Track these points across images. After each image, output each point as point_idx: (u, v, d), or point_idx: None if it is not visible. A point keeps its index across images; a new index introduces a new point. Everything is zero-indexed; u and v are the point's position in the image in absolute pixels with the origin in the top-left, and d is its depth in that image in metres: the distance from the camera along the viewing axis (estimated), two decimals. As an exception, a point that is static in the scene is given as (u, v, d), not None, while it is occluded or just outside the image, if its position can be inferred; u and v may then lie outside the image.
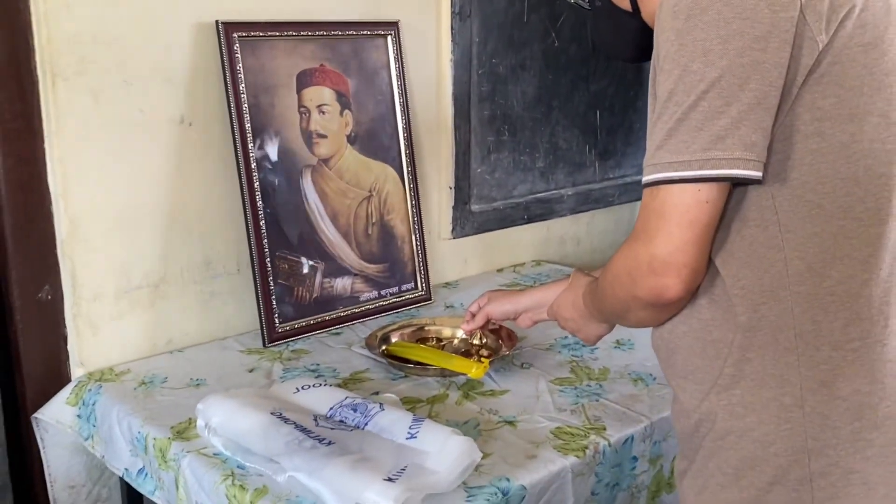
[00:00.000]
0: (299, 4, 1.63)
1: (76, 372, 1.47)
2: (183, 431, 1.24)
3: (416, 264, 1.78)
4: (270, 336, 1.56)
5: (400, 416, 1.20)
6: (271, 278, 1.57)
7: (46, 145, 1.39)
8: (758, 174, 0.84)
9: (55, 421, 1.43)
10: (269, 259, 1.56)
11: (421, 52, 1.81)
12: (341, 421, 1.21)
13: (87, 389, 1.41)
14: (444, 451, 1.11)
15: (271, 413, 1.20)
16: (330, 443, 1.14)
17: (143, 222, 1.51)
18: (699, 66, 0.84)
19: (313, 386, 1.31)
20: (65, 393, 1.44)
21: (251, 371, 1.46)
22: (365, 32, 1.72)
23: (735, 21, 0.83)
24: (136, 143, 1.48)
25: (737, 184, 0.87)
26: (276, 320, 1.57)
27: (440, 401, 1.34)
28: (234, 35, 1.53)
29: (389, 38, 1.74)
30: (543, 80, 2.02)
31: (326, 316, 1.64)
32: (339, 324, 1.65)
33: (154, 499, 1.28)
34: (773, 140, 0.86)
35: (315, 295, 1.63)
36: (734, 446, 0.92)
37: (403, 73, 1.76)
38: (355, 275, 1.69)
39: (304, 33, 1.63)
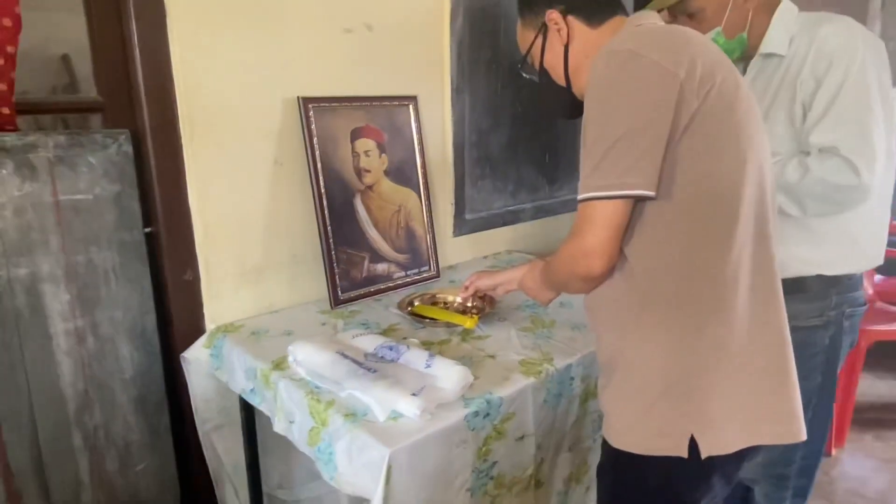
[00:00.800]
0: (351, 85, 1.61)
1: (209, 326, 1.46)
2: (279, 364, 1.24)
3: (430, 254, 1.77)
4: (335, 301, 1.55)
5: (420, 353, 1.19)
6: (335, 264, 1.56)
7: (188, 180, 1.38)
8: (652, 193, 0.86)
9: (195, 358, 1.42)
10: (333, 252, 1.55)
11: (432, 115, 1.80)
12: (381, 357, 1.21)
13: (217, 337, 1.41)
14: (449, 375, 1.10)
15: (336, 352, 1.19)
16: (375, 371, 1.13)
17: (250, 229, 1.50)
18: (613, 124, 0.85)
19: (363, 334, 1.31)
20: (202, 340, 1.43)
21: (323, 324, 1.46)
22: (395, 103, 1.71)
23: (637, 97, 0.85)
24: (247, 176, 1.47)
25: (638, 199, 0.87)
26: (339, 291, 1.56)
27: (446, 343, 1.34)
28: (310, 106, 1.52)
29: (411, 106, 1.73)
30: (511, 132, 2.01)
31: (372, 288, 1.63)
32: (379, 293, 1.64)
33: (260, 408, 1.27)
34: (663, 170, 0.86)
35: (364, 274, 1.62)
36: (638, 370, 0.92)
37: (420, 129, 1.75)
38: (390, 261, 1.68)
39: (355, 104, 1.62)
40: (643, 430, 0.92)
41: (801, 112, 1.22)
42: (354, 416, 1.04)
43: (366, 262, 1.63)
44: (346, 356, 1.18)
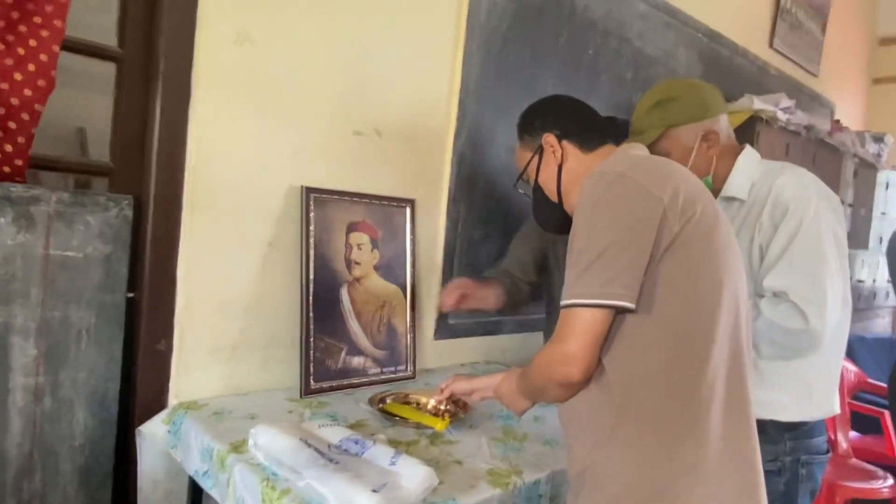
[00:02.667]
0: (354, 182, 1.68)
1: (172, 401, 1.41)
2: (238, 447, 1.19)
3: (408, 354, 1.76)
4: (306, 390, 1.51)
5: (385, 450, 1.15)
6: (312, 351, 1.54)
7: (180, 250, 1.40)
8: (632, 305, 0.88)
9: (151, 433, 1.36)
10: (312, 338, 1.54)
11: (427, 219, 1.86)
12: (345, 450, 1.16)
13: (178, 413, 1.36)
14: (413, 475, 1.06)
15: (300, 439, 1.15)
16: (337, 462, 1.08)
17: (232, 306, 1.50)
18: (599, 237, 0.89)
19: (330, 425, 1.26)
20: (162, 414, 1.38)
21: (289, 412, 1.41)
22: (394, 203, 1.77)
23: (622, 215, 0.89)
24: (239, 254, 1.49)
25: (619, 311, 0.89)
26: (311, 380, 1.53)
27: (414, 444, 1.29)
28: (312, 195, 1.58)
29: (409, 208, 1.80)
30: (501, 245, 2.06)
31: (345, 381, 1.60)
32: (352, 388, 1.60)
33: (211, 493, 1.20)
34: (644, 287, 0.89)
35: (340, 366, 1.60)
36: (608, 486, 0.89)
37: (415, 231, 1.80)
38: (367, 356, 1.66)
39: (356, 199, 1.68)
40: None
41: (759, 255, 1.25)
42: (309, 508, 0.99)
43: (343, 354, 1.61)
44: (309, 444, 1.13)
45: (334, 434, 1.21)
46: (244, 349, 1.52)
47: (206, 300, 1.45)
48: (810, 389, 1.26)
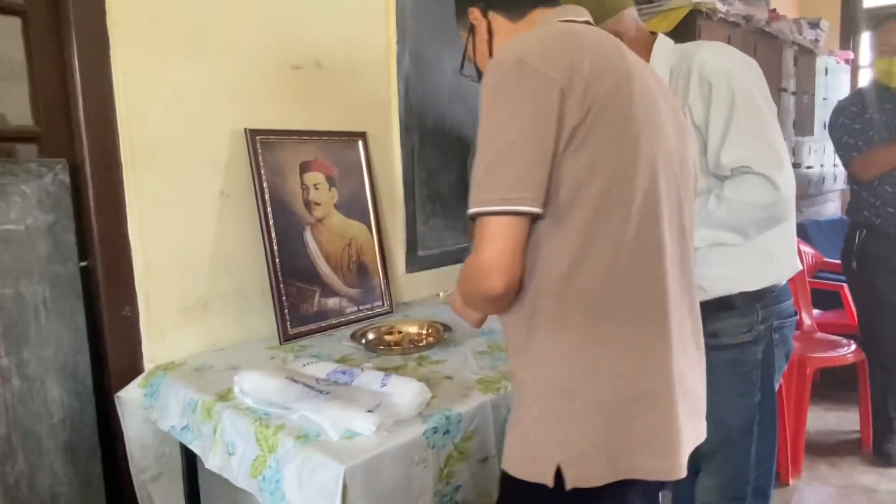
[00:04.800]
0: (301, 120, 1.62)
1: (148, 366, 1.37)
2: (224, 396, 1.17)
3: (382, 289, 1.74)
4: (285, 336, 1.49)
5: (374, 374, 1.15)
6: (284, 298, 1.51)
7: (128, 211, 1.34)
8: (537, 209, 0.80)
9: (130, 399, 1.33)
10: (282, 285, 1.51)
11: (381, 152, 1.81)
12: (334, 381, 1.15)
13: (155, 376, 1.32)
14: (405, 392, 1.06)
15: (286, 378, 1.14)
16: (327, 393, 1.08)
17: (196, 263, 1.45)
18: (497, 136, 0.80)
19: (315, 363, 1.25)
20: (138, 379, 1.34)
21: (271, 358, 1.39)
22: (344, 139, 1.72)
23: (520, 110, 0.79)
24: (191, 208, 1.43)
25: (526, 216, 0.81)
26: (289, 326, 1.51)
27: (402, 368, 1.29)
28: (257, 138, 1.51)
29: (360, 141, 1.74)
30: (462, 170, 2.04)
31: (323, 323, 1.58)
32: (331, 328, 1.59)
33: (191, 447, 1.19)
34: (550, 188, 0.81)
35: (315, 309, 1.58)
36: (521, 392, 0.88)
37: (371, 165, 1.75)
38: (341, 296, 1.64)
39: (304, 138, 1.62)
40: (521, 453, 0.86)
41: (699, 135, 1.23)
42: (306, 437, 0.98)
43: (316, 297, 1.59)
44: (296, 381, 1.12)
45: (320, 369, 1.20)
46: (215, 304, 1.48)
47: (166, 259, 1.39)
48: (771, 254, 1.29)
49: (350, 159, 1.72)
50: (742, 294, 1.28)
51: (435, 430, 1.02)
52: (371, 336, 1.48)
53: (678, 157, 0.92)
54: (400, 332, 1.51)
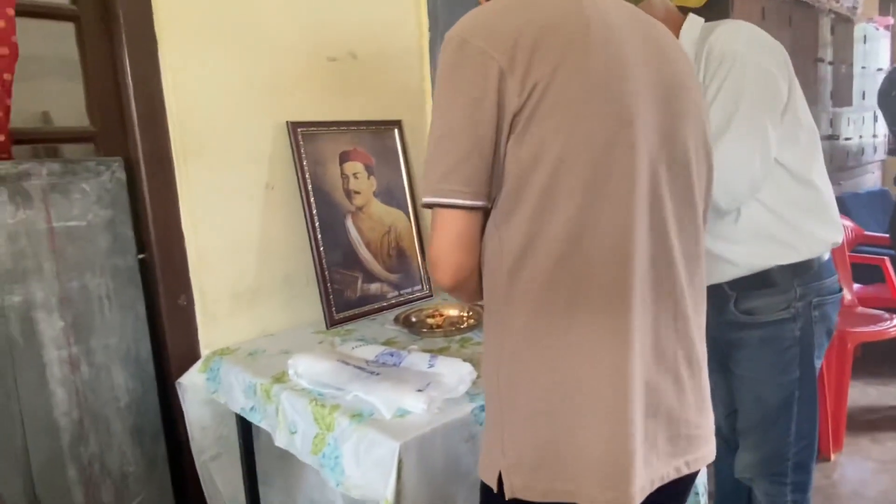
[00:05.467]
0: (338, 110, 1.66)
1: (204, 351, 1.45)
2: (280, 378, 1.23)
3: (421, 274, 1.79)
4: (331, 321, 1.55)
5: (422, 356, 1.19)
6: (329, 284, 1.56)
7: (181, 205, 1.40)
8: (475, 202, 0.74)
9: (191, 384, 1.40)
10: (327, 272, 1.56)
11: (417, 139, 1.84)
12: (383, 363, 1.21)
13: (212, 360, 1.39)
14: (453, 372, 1.11)
15: (338, 360, 1.19)
16: (378, 374, 1.13)
17: (244, 253, 1.51)
18: (438, 119, 0.76)
19: (363, 345, 1.30)
20: (197, 364, 1.41)
21: (320, 343, 1.45)
22: (381, 127, 1.75)
23: (460, 93, 0.73)
24: (239, 200, 1.49)
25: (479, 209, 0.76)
26: (334, 311, 1.56)
27: (445, 350, 1.34)
28: (299, 130, 1.56)
29: (396, 130, 1.78)
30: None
31: (366, 308, 1.63)
32: (374, 313, 1.64)
33: (261, 425, 1.25)
34: (499, 179, 0.75)
35: (358, 294, 1.63)
36: (486, 387, 0.86)
37: (406, 152, 1.79)
38: (382, 281, 1.69)
39: (342, 128, 1.66)
40: (481, 454, 0.84)
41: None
42: (360, 416, 1.03)
43: (359, 282, 1.64)
44: (347, 363, 1.18)
45: (369, 352, 1.25)
46: (264, 292, 1.54)
47: (217, 250, 1.46)
48: (803, 228, 1.26)
49: (387, 148, 1.76)
50: (780, 269, 1.28)
51: (482, 408, 1.06)
52: (414, 319, 1.53)
53: (676, 133, 0.81)
54: (442, 315, 1.55)
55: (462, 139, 0.73)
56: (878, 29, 4.03)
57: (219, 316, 1.47)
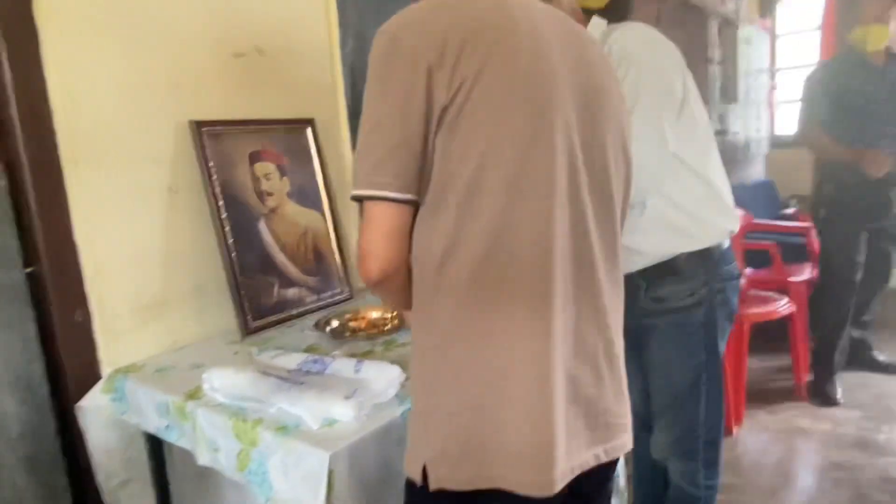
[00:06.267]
0: (246, 109, 1.59)
1: (106, 370, 1.34)
2: (193, 394, 1.16)
3: (341, 276, 1.75)
4: (246, 331, 1.48)
5: (347, 361, 1.16)
6: (243, 291, 1.50)
7: (72, 211, 1.28)
8: (402, 195, 0.75)
9: (94, 407, 1.29)
10: (240, 279, 1.49)
11: (330, 138, 1.80)
12: (307, 371, 1.17)
13: (116, 379, 1.29)
14: (381, 376, 1.09)
15: (257, 371, 1.14)
16: (302, 383, 1.09)
17: (147, 262, 1.41)
18: (368, 112, 0.77)
19: (284, 353, 1.26)
20: (99, 385, 1.30)
21: (235, 353, 1.38)
22: (292, 126, 1.69)
23: (390, 89, 0.75)
24: (140, 205, 1.39)
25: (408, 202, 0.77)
26: (249, 319, 1.50)
27: (370, 354, 1.32)
28: (203, 130, 1.48)
29: (309, 129, 1.73)
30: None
31: (284, 314, 1.57)
32: (293, 318, 1.58)
33: (180, 444, 1.17)
34: (427, 173, 0.76)
35: (275, 300, 1.57)
36: (412, 381, 0.88)
37: (321, 152, 1.74)
38: (300, 286, 1.64)
39: (252, 127, 1.59)
40: (407, 448, 0.86)
41: None
42: (286, 429, 0.99)
43: (275, 288, 1.58)
44: (268, 374, 1.13)
45: (291, 360, 1.21)
46: (171, 302, 1.45)
47: (116, 260, 1.35)
48: (703, 216, 1.34)
49: (300, 147, 1.70)
50: (684, 257, 1.35)
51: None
52: (335, 324, 1.49)
53: (595, 136, 0.84)
54: (364, 318, 1.53)
55: (392, 133, 0.74)
56: (759, 31, 4.37)
57: (121, 331, 1.37)
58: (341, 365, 1.15)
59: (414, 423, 0.84)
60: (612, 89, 0.88)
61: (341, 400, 1.00)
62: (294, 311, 1.60)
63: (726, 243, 1.41)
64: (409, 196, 0.76)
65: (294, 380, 1.11)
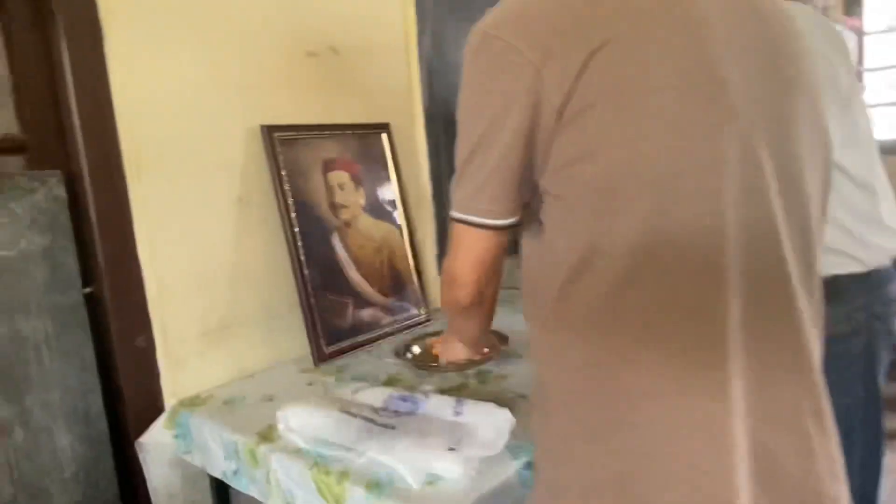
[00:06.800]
0: (318, 113, 1.45)
1: (169, 402, 1.21)
2: (266, 435, 1.00)
3: (418, 296, 1.58)
4: (320, 357, 1.33)
5: (443, 399, 0.99)
6: (316, 312, 1.35)
7: (136, 227, 1.16)
8: (500, 222, 0.67)
9: (155, 443, 1.15)
10: (313, 299, 1.35)
11: (405, 145, 1.65)
12: (395, 411, 1.00)
13: (180, 414, 1.16)
14: (488, 421, 0.91)
15: (340, 411, 0.98)
16: (393, 427, 0.92)
17: (214, 280, 1.28)
18: (465, 131, 0.68)
19: (365, 388, 1.09)
20: (161, 419, 1.17)
21: (310, 385, 1.23)
22: (367, 132, 1.55)
23: (486, 99, 0.65)
24: (206, 218, 1.26)
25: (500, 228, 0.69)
26: (323, 345, 1.34)
27: (464, 388, 1.14)
28: (275, 135, 1.34)
29: (384, 134, 1.58)
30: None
31: (360, 338, 1.41)
32: (369, 343, 1.43)
33: (250, 493, 1.01)
34: (529, 185, 0.66)
35: (349, 323, 1.41)
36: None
37: (396, 160, 1.59)
38: (376, 306, 1.48)
39: (325, 132, 1.45)
40: None
41: None
42: (378, 485, 0.82)
43: (350, 309, 1.42)
44: (353, 414, 0.96)
45: (375, 396, 1.04)
46: (239, 326, 1.31)
47: (181, 279, 1.22)
48: (864, 236, 1.16)
49: (374, 155, 1.55)
50: (837, 278, 1.14)
51: (528, 465, 0.86)
52: (417, 351, 1.32)
53: (781, 111, 0.65)
54: (450, 346, 1.35)
55: (492, 153, 0.64)
56: (846, 30, 4.05)
57: (185, 357, 1.23)
58: (437, 405, 0.97)
59: (541, 496, 0.68)
60: (798, 51, 0.68)
61: (444, 452, 0.83)
62: (370, 335, 1.44)
63: (888, 263, 1.18)
64: (507, 222, 0.68)
65: (384, 421, 0.94)
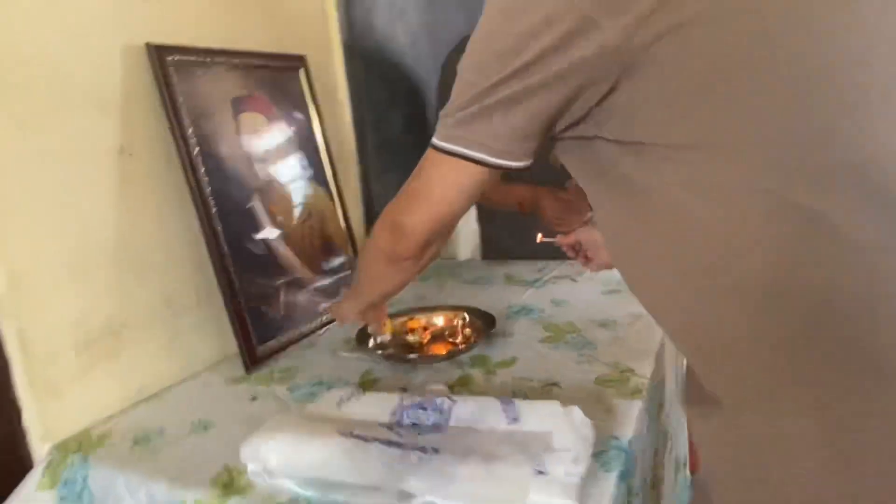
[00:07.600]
0: (222, 34, 1.09)
1: (42, 447, 0.82)
2: (230, 483, 0.69)
3: (354, 271, 1.30)
4: (252, 360, 1.01)
5: (480, 402, 0.75)
6: (243, 302, 1.01)
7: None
8: (503, 162, 0.57)
9: (25, 514, 0.78)
10: (237, 284, 1.01)
11: (323, 82, 1.33)
12: (415, 424, 0.74)
13: (68, 465, 0.78)
14: (561, 426, 0.69)
15: (340, 434, 0.70)
16: (435, 450, 0.67)
17: (93, 267, 0.89)
18: (487, 64, 0.54)
19: (350, 398, 0.81)
20: (33, 476, 0.79)
21: (254, 399, 0.91)
22: (282, 64, 1.21)
23: (525, 31, 0.51)
24: (75, 179, 0.86)
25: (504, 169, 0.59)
26: (254, 343, 1.02)
27: (469, 383, 0.91)
28: (168, 59, 0.97)
29: (302, 69, 1.24)
30: (407, 114, 1.63)
31: (296, 330, 1.10)
32: (305, 336, 1.12)
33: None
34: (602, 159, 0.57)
35: (282, 311, 1.10)
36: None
37: (316, 100, 1.27)
38: (309, 287, 1.17)
39: (234, 60, 1.09)
40: None
41: None
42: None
43: (281, 294, 1.11)
44: (364, 438, 0.69)
45: (374, 407, 0.78)
46: (132, 329, 0.94)
47: (44, 268, 0.83)
48: None
49: (291, 93, 1.22)
50: None
51: (622, 474, 0.67)
52: (386, 338, 1.05)
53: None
54: (424, 328, 1.10)
55: (496, 91, 0.53)
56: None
57: (60, 380, 0.84)
58: (472, 409, 0.73)
59: None
60: None
61: (532, 478, 0.60)
62: (312, 325, 1.14)
63: None
64: (520, 163, 0.57)
65: (416, 443, 0.68)
